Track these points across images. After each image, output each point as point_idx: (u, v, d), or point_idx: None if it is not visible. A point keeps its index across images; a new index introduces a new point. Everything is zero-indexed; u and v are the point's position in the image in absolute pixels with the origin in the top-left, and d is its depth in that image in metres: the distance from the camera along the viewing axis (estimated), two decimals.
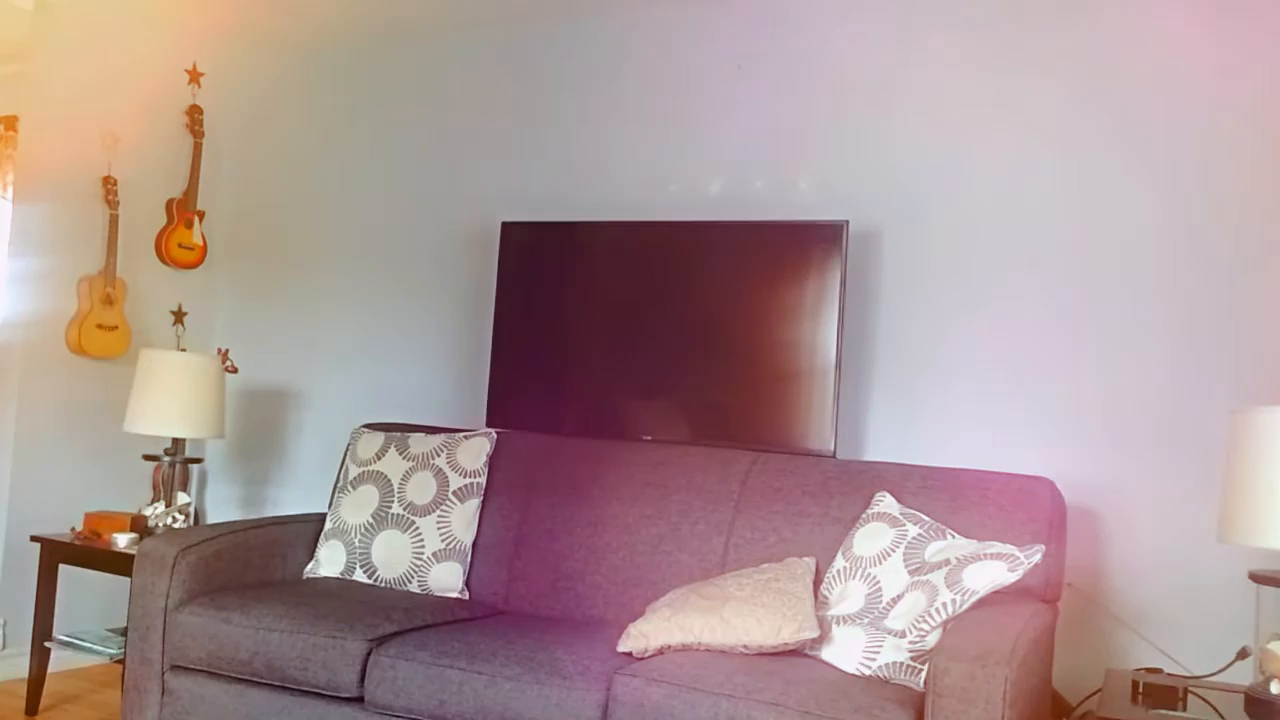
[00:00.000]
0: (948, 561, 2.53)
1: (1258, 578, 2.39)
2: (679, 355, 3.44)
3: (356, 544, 3.27)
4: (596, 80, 3.89)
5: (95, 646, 3.59)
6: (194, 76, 4.43)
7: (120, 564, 3.50)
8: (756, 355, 3.34)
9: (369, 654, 2.66)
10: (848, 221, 3.26)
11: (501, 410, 3.68)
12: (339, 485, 3.43)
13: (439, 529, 3.25)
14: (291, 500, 4.33)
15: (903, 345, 3.37)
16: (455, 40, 4.16)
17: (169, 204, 4.36)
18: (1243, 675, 2.63)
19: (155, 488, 3.90)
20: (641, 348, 3.49)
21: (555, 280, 3.63)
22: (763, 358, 3.33)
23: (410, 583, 3.22)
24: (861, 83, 3.49)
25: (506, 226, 3.70)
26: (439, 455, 3.35)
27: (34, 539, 3.64)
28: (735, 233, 3.40)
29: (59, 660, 3.85)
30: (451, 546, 3.24)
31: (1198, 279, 3.05)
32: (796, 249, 3.30)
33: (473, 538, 3.29)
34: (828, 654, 2.58)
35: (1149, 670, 2.73)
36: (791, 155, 3.56)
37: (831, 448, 3.22)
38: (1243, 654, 2.55)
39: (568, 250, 3.61)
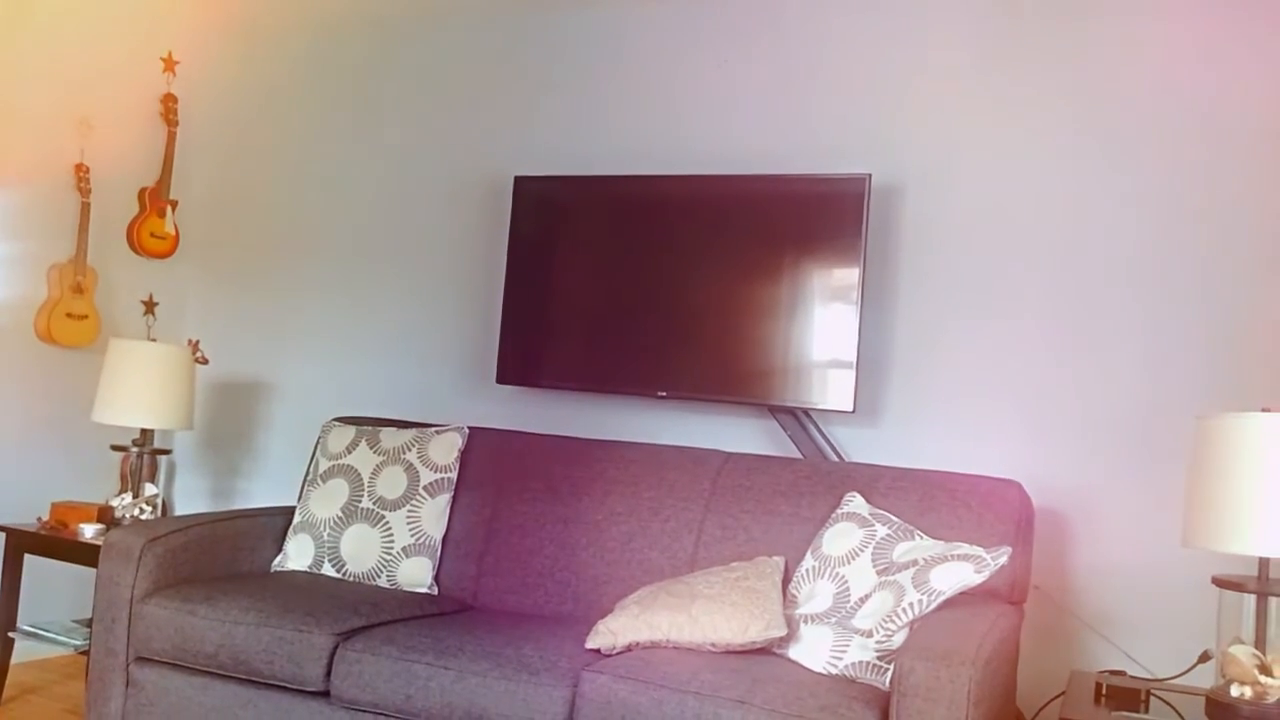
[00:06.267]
0: (915, 562, 2.54)
1: (1220, 582, 2.42)
2: (695, 310, 3.43)
3: (325, 538, 3.25)
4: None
5: (60, 637, 3.56)
6: (169, 65, 4.40)
7: (86, 554, 3.47)
8: (774, 310, 3.34)
9: (336, 648, 2.65)
10: (869, 175, 3.26)
11: (513, 368, 3.68)
12: (309, 478, 3.42)
13: (409, 524, 3.24)
14: (261, 493, 4.30)
15: (888, 346, 3.38)
16: (437, 27, 4.14)
17: (141, 193, 4.33)
18: (1204, 678, 2.65)
19: (123, 478, 3.87)
20: (657, 302, 3.49)
21: (568, 235, 3.63)
22: (781, 313, 3.33)
23: (379, 577, 3.21)
24: (854, 85, 3.51)
25: (519, 180, 3.71)
26: (410, 450, 3.34)
27: None
28: (753, 186, 3.40)
29: (23, 651, 3.81)
30: (421, 542, 3.23)
31: (1169, 285, 3.07)
32: (816, 202, 3.30)
33: (443, 533, 3.28)
34: (795, 653, 2.59)
35: (1112, 672, 2.76)
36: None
37: (851, 405, 3.23)
38: (1205, 657, 2.57)
39: (581, 205, 3.61)
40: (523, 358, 3.67)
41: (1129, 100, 3.15)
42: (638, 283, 3.52)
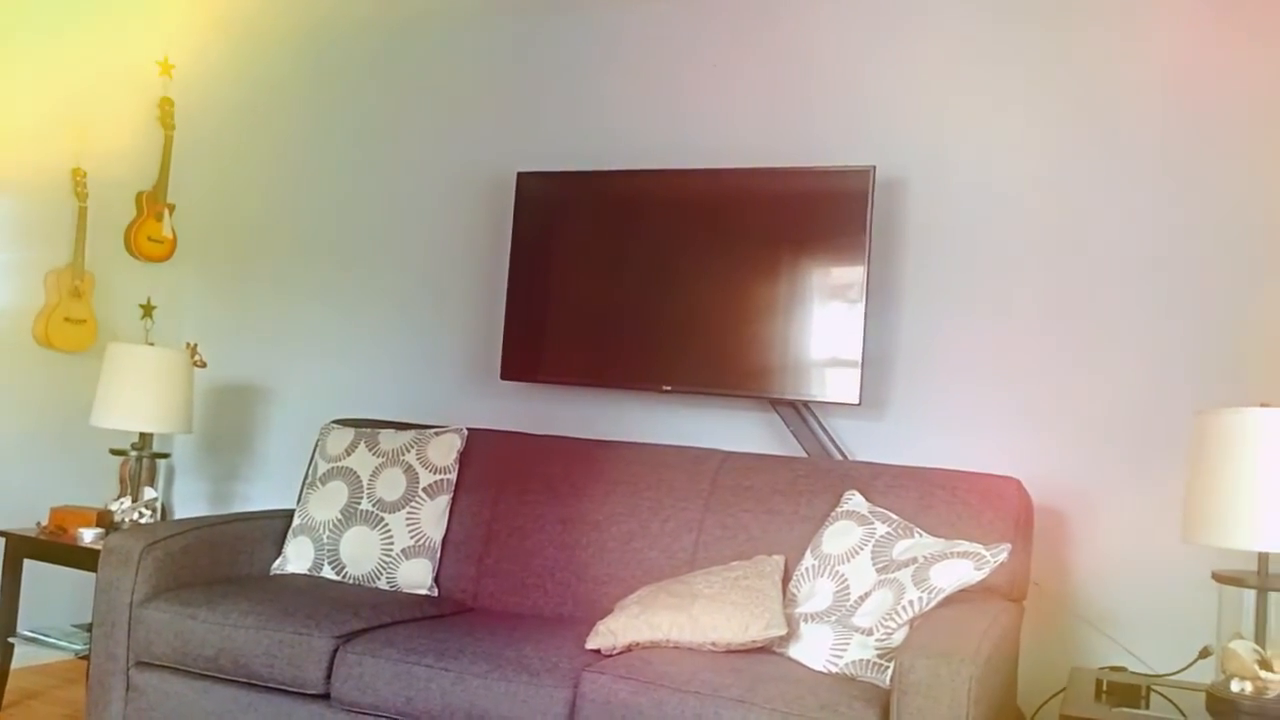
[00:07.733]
0: (915, 560, 2.54)
1: (1220, 578, 2.42)
2: (700, 303, 3.43)
3: (325, 540, 3.25)
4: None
5: (60, 642, 3.56)
6: (165, 68, 4.40)
7: (86, 559, 3.47)
8: (778, 303, 3.33)
9: (336, 650, 2.65)
10: (874, 167, 3.25)
11: (517, 364, 3.68)
12: (308, 481, 3.41)
13: (408, 526, 3.24)
14: (260, 496, 4.30)
15: (892, 338, 3.38)
16: (435, 27, 4.14)
17: (139, 197, 4.32)
18: (1205, 674, 2.66)
19: (122, 482, 3.86)
20: (662, 296, 3.48)
21: (571, 230, 3.62)
22: (785, 306, 3.32)
23: (379, 579, 3.21)
24: (856, 79, 3.51)
25: (521, 176, 3.70)
26: (409, 451, 3.34)
27: None
28: (758, 179, 3.39)
29: (23, 656, 3.81)
30: (421, 543, 3.23)
31: (1169, 281, 3.07)
32: (821, 195, 3.29)
33: (442, 534, 3.28)
34: (795, 651, 2.59)
35: (1113, 669, 2.76)
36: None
37: (857, 397, 3.22)
38: (1205, 653, 2.58)
39: (584, 200, 3.61)
40: (527, 354, 3.67)
41: (1131, 94, 3.15)
42: (642, 277, 3.52)
